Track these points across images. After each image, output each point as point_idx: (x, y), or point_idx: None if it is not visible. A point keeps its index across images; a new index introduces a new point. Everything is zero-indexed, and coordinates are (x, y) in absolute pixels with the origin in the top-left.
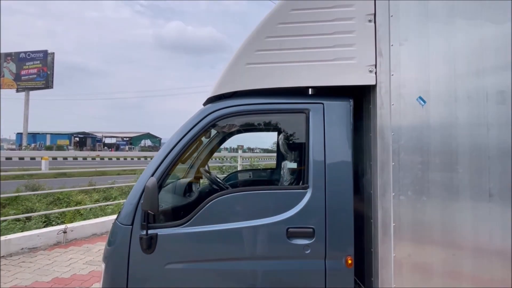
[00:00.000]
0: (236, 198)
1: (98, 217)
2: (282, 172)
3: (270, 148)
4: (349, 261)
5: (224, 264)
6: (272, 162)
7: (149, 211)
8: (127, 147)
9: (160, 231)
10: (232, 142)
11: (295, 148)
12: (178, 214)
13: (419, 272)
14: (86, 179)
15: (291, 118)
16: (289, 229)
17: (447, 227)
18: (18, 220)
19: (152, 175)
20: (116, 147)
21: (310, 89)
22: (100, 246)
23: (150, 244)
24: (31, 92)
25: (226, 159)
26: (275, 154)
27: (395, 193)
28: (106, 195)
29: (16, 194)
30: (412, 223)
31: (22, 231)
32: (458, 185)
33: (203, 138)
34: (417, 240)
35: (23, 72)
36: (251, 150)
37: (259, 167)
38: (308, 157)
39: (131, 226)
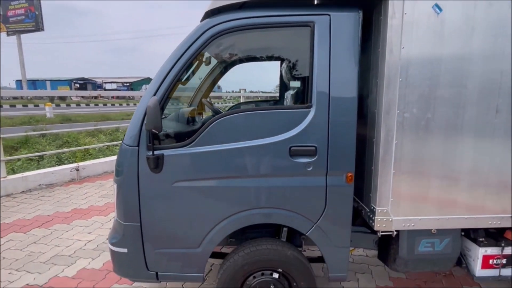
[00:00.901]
0: (239, 118)
1: (107, 156)
2: (285, 97)
3: (273, 90)
4: (350, 177)
5: (229, 181)
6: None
7: (153, 130)
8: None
9: (166, 152)
10: (234, 83)
11: (299, 68)
12: (183, 138)
13: (417, 188)
14: (91, 124)
15: (296, 35)
16: (292, 148)
17: (451, 145)
18: (31, 160)
19: (153, 95)
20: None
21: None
22: (112, 182)
23: (157, 163)
24: (22, 36)
25: (229, 99)
26: (277, 95)
27: (400, 110)
28: (112, 137)
29: (25, 133)
30: (415, 140)
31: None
32: (465, 102)
33: (203, 69)
34: (418, 158)
35: (10, 13)
36: (254, 93)
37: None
38: (312, 74)
39: (137, 148)
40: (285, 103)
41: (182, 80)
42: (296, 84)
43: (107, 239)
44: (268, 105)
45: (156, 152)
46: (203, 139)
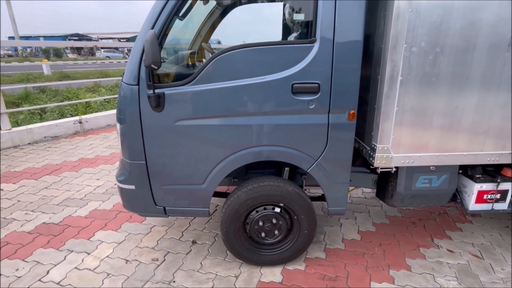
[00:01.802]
0: (240, 54)
1: (109, 110)
2: (288, 39)
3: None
4: (352, 115)
5: (231, 119)
6: None
7: (152, 65)
8: (126, 49)
9: (167, 90)
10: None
11: (302, 6)
12: (183, 77)
13: (418, 126)
14: (90, 82)
15: None
16: (295, 85)
17: (457, 83)
18: (33, 114)
19: (151, 29)
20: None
21: None
22: (116, 134)
23: (158, 102)
24: None
25: None
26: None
27: (408, 44)
28: (113, 92)
29: (24, 86)
30: (421, 76)
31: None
32: (477, 35)
33: (202, 9)
34: (422, 95)
35: None
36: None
37: None
38: (317, 7)
39: (137, 86)
40: (288, 30)
41: (180, 15)
42: (300, 17)
43: (115, 184)
44: None
45: (156, 91)
46: (204, 76)
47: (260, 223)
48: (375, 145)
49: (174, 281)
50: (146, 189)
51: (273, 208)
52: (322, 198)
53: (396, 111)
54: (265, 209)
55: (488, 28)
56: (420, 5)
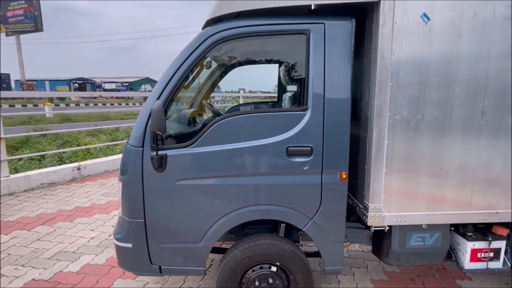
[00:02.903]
0: (238, 120)
1: (108, 156)
2: (283, 99)
3: (271, 90)
4: (344, 176)
5: (229, 179)
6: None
7: (157, 131)
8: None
9: (169, 152)
10: (233, 83)
11: (295, 72)
12: (185, 139)
13: (407, 185)
14: (91, 124)
15: (292, 41)
16: (289, 148)
17: (439, 144)
18: (32, 159)
19: (157, 99)
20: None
21: (312, 6)
22: (114, 181)
23: (160, 163)
24: (22, 36)
25: (228, 99)
26: (276, 95)
27: (391, 112)
28: (112, 137)
29: (26, 133)
30: (405, 140)
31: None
32: (453, 104)
33: (203, 71)
34: (408, 157)
35: (9, 14)
36: (253, 93)
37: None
38: (308, 79)
39: (142, 148)
40: (283, 105)
41: (185, 84)
42: (293, 88)
43: (110, 235)
44: (267, 107)
45: (159, 152)
46: (204, 140)
47: (257, 283)
48: (367, 204)
49: None
50: (143, 248)
51: (270, 267)
52: (318, 254)
53: (385, 172)
54: (261, 268)
55: (461, 98)
56: (399, 80)
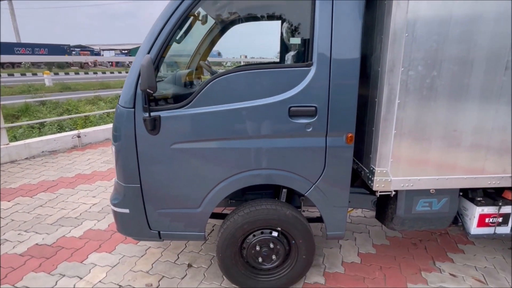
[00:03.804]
0: (237, 77)
1: (108, 123)
2: (286, 60)
3: (274, 57)
4: (350, 138)
5: (227, 143)
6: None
7: (147, 90)
8: (127, 61)
9: (163, 113)
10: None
11: (299, 26)
12: (179, 100)
13: (417, 149)
14: (91, 92)
15: None
16: (292, 108)
17: (455, 105)
18: (32, 128)
19: (147, 53)
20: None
21: None
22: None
23: (154, 125)
24: (14, 2)
25: (228, 67)
26: (279, 60)
27: (404, 68)
28: (112, 105)
29: (25, 101)
30: (418, 99)
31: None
32: (474, 58)
33: (200, 30)
34: (420, 118)
35: None
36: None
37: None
38: (314, 30)
39: (133, 109)
40: (285, 57)
41: (177, 39)
42: (296, 41)
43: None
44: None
45: (152, 114)
46: (200, 99)
47: (257, 248)
48: (373, 168)
49: None
50: (140, 213)
51: (271, 232)
52: (320, 219)
53: (395, 134)
54: (262, 233)
55: (483, 50)
56: (415, 30)
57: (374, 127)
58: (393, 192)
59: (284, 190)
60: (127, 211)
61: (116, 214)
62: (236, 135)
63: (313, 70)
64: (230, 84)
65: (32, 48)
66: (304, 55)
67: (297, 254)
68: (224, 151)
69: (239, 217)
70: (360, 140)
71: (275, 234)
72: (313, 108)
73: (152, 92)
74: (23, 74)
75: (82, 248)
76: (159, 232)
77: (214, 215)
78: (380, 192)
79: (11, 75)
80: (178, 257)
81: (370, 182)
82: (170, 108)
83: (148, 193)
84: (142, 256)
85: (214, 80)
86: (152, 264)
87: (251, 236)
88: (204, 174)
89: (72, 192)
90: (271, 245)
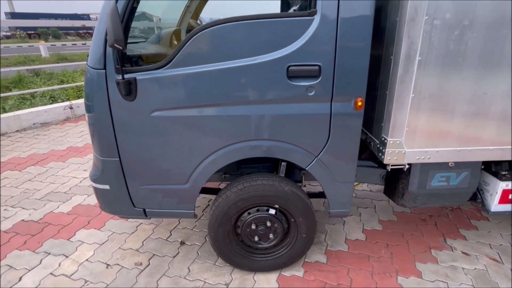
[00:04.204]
0: (223, 30)
1: None
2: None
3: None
4: (359, 104)
5: (215, 110)
6: None
7: (115, 45)
8: None
9: (139, 75)
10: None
11: None
12: (159, 60)
13: (438, 116)
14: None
15: None
16: (290, 68)
17: (488, 61)
18: (24, 99)
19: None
20: None
21: None
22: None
23: (129, 89)
24: None
25: None
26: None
27: (429, 16)
28: None
29: (17, 70)
30: (443, 55)
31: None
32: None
33: None
34: (444, 79)
35: None
36: None
37: None
38: None
39: (104, 70)
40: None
41: None
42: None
43: None
44: None
45: (126, 76)
46: (182, 58)
47: (253, 226)
48: (385, 139)
49: None
50: (122, 190)
51: (267, 210)
52: (323, 194)
53: (412, 98)
54: (258, 210)
55: None
56: None
57: (388, 91)
58: (407, 166)
59: (283, 164)
60: (107, 187)
61: (96, 190)
62: (224, 101)
63: (316, 20)
64: (216, 39)
65: (55, 17)
66: (305, 6)
67: (297, 233)
68: (212, 119)
69: (232, 193)
70: (370, 106)
71: (272, 211)
72: (316, 68)
73: (120, 47)
74: (19, 46)
75: (70, 224)
76: (144, 210)
77: (208, 190)
78: (391, 166)
79: (6, 47)
80: (171, 234)
81: (380, 154)
82: (147, 69)
83: (129, 168)
84: (132, 233)
85: (197, 35)
86: (142, 242)
87: (246, 213)
88: (190, 147)
89: (63, 165)
90: (268, 224)
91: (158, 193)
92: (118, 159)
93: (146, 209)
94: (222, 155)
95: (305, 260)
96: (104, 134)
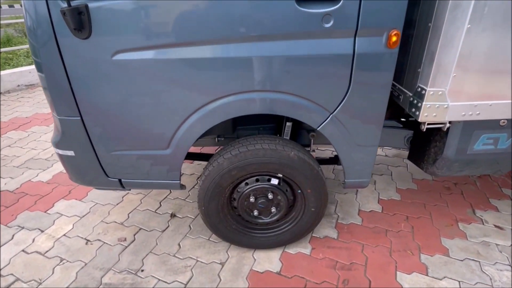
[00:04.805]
0: None
1: None
2: None
3: None
4: (394, 39)
5: (198, 50)
6: None
7: None
8: None
9: (92, 2)
10: None
11: None
12: None
13: (498, 57)
14: None
15: None
16: None
17: None
18: (8, 59)
19: None
20: None
21: None
22: None
23: (79, 22)
24: None
25: None
26: None
27: None
28: None
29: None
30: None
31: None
32: None
33: None
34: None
35: None
36: None
37: None
38: None
39: None
40: None
41: None
42: None
43: None
44: None
45: (74, 2)
46: None
47: (252, 199)
48: (423, 89)
49: (142, 270)
50: (89, 156)
51: (269, 180)
52: (334, 160)
53: (468, 30)
54: (257, 180)
55: None
56: None
57: (432, 22)
58: (447, 125)
59: (289, 124)
60: (71, 153)
61: (61, 157)
62: (213, 37)
63: None
64: None
65: None
66: None
67: (304, 206)
68: (195, 64)
69: (224, 160)
70: (400, 48)
71: (275, 182)
72: None
73: None
74: (11, 6)
75: (48, 194)
76: (120, 180)
77: (201, 156)
78: (427, 124)
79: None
80: (160, 205)
81: (413, 110)
82: None
83: (94, 129)
84: (117, 204)
85: None
86: (128, 214)
87: (243, 184)
88: (169, 101)
89: (46, 130)
90: (270, 196)
91: (134, 160)
92: (79, 117)
93: (122, 180)
94: (210, 112)
95: (313, 235)
96: (58, 86)
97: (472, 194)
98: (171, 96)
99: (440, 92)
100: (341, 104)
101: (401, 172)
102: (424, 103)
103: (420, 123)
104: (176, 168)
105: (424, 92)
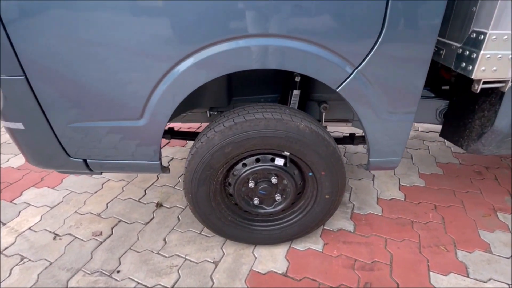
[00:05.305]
0: None
1: None
2: None
3: None
4: None
5: None
6: None
7: None
8: None
9: None
10: None
11: None
12: None
13: None
14: None
15: None
16: None
17: None
18: None
19: None
20: None
21: None
22: None
23: None
24: None
25: None
26: None
27: None
28: None
29: None
30: None
31: None
32: None
33: None
34: None
35: None
36: None
37: None
38: None
39: None
40: None
41: None
42: None
43: None
44: None
45: None
46: None
47: (251, 184)
48: (480, 34)
49: (118, 271)
50: (42, 129)
51: (273, 160)
52: (350, 139)
53: None
54: (258, 161)
55: None
56: None
57: None
58: (510, 84)
59: (296, 92)
60: (20, 125)
61: (10, 132)
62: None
63: None
64: None
65: None
66: None
67: (316, 193)
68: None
69: (216, 134)
70: None
71: (280, 162)
72: None
73: None
74: None
75: (18, 182)
76: (85, 161)
77: (188, 135)
78: (483, 82)
79: None
80: (145, 194)
81: (464, 65)
82: None
83: (43, 91)
84: (95, 193)
85: None
86: (107, 204)
87: (239, 165)
88: (136, 52)
89: None
90: (274, 180)
91: (100, 135)
92: (23, 76)
93: (88, 160)
94: (193, 67)
95: (324, 227)
96: None
97: (508, 180)
98: (140, 45)
99: (506, 37)
100: (370, 54)
101: (422, 155)
102: (482, 52)
103: (476, 82)
104: (153, 143)
105: (482, 37)
